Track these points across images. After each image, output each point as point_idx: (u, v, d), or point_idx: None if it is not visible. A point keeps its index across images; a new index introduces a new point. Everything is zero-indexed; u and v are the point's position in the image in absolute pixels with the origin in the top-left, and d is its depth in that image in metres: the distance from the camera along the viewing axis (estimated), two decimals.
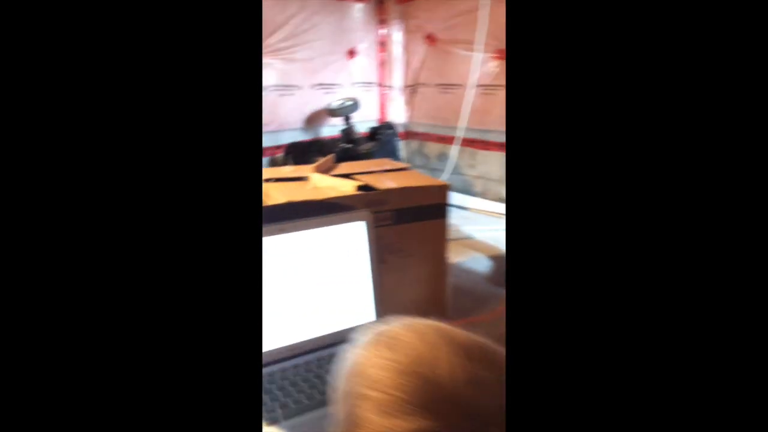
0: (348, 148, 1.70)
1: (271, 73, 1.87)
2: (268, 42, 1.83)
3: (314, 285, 0.67)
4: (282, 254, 0.64)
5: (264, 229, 0.63)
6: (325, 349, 0.66)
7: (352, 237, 0.70)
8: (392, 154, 1.82)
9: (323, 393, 0.58)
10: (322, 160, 1.14)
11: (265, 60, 1.84)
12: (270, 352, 0.63)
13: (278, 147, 1.91)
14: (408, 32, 2.16)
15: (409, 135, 2.27)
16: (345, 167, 1.17)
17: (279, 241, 0.64)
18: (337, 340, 0.67)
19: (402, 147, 2.02)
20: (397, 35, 2.18)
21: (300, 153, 1.71)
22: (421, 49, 2.11)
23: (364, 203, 0.81)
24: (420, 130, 2.21)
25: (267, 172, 1.07)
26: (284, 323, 0.64)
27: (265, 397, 0.57)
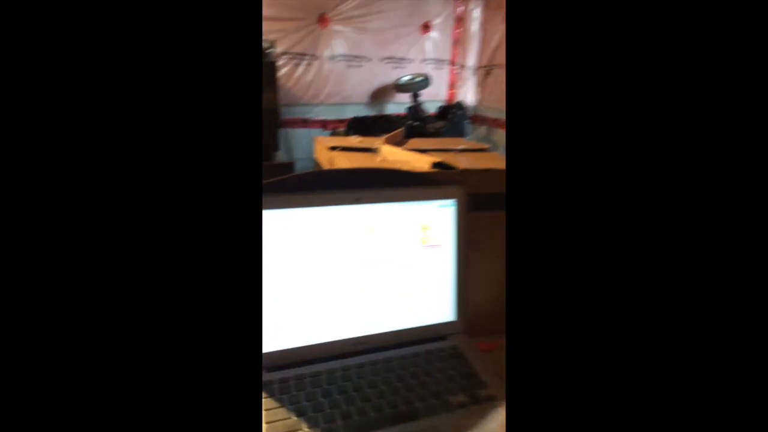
0: (416, 126, 1.58)
1: (340, 41, 1.78)
2: (341, 8, 1.73)
3: (386, 269, 0.56)
4: (354, 227, 0.54)
5: (337, 197, 0.53)
6: (395, 348, 0.55)
7: (437, 217, 0.58)
8: (461, 136, 1.69)
9: (394, 405, 0.47)
10: (393, 133, 1.04)
11: (336, 27, 1.74)
12: (329, 344, 0.53)
13: (341, 121, 1.83)
14: (488, 9, 2.00)
15: (476, 119, 2.12)
16: (417, 143, 1.06)
17: (352, 212, 0.54)
18: (409, 338, 0.57)
19: (468, 132, 1.88)
20: (476, 11, 2.03)
21: (363, 128, 1.61)
22: (500, 27, 1.95)
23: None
24: (490, 114, 2.06)
25: (334, 141, 0.98)
26: (348, 310, 0.54)
27: (323, 401, 0.47)
